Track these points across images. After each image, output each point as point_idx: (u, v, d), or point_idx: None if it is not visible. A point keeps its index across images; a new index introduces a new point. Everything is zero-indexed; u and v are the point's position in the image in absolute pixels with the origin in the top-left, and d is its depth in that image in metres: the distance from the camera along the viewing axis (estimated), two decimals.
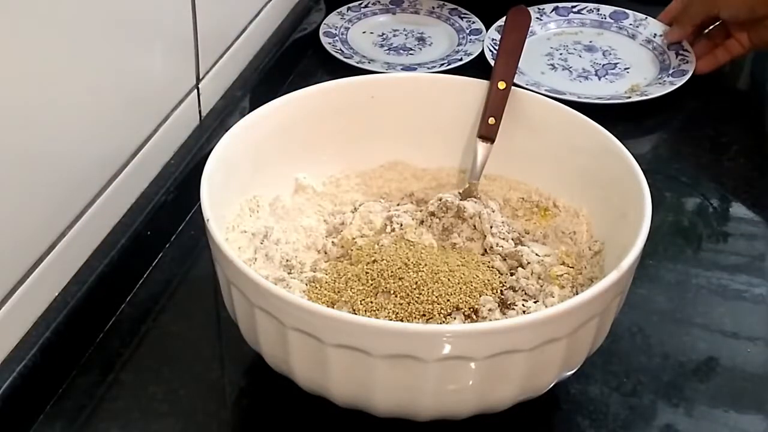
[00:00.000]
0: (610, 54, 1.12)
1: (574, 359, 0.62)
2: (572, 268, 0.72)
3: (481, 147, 0.77)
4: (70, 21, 0.66)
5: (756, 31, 1.01)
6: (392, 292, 0.67)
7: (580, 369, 0.64)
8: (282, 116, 0.74)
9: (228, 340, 0.71)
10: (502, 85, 0.77)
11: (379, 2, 1.17)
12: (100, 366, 0.70)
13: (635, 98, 1.01)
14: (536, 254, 0.73)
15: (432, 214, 0.75)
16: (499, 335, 0.57)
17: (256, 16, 1.00)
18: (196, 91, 0.88)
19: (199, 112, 0.90)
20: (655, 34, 1.13)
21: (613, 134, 0.72)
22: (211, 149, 0.68)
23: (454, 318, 0.66)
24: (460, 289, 0.67)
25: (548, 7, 1.18)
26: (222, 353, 0.73)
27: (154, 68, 0.79)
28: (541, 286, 0.70)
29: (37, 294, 0.67)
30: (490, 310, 0.67)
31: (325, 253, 0.75)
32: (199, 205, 0.64)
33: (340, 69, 1.04)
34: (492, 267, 0.71)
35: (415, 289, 0.67)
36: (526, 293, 0.69)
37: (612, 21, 1.17)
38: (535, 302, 0.69)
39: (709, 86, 1.11)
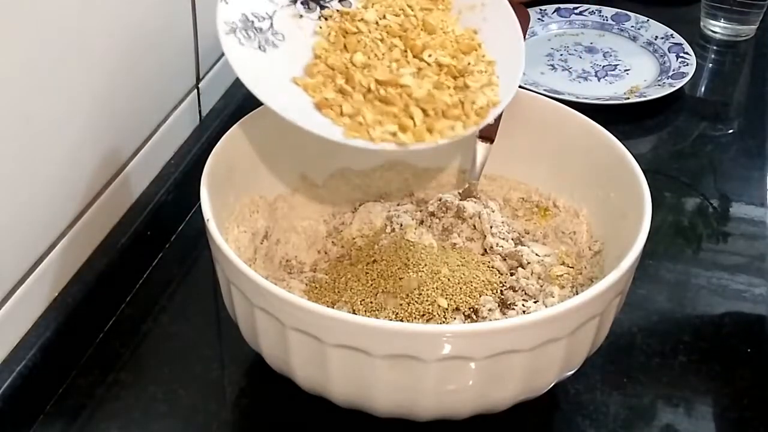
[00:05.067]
0: (611, 55, 1.12)
1: (574, 359, 0.62)
2: (572, 268, 0.72)
3: (481, 147, 0.77)
4: (70, 22, 0.66)
5: None
6: (392, 292, 0.67)
7: (580, 369, 0.64)
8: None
9: (228, 340, 0.71)
10: None
11: None
12: (100, 366, 0.70)
13: (633, 99, 1.02)
14: (536, 254, 0.73)
15: (432, 214, 0.75)
16: (499, 335, 0.57)
17: None
18: (196, 91, 0.88)
19: (199, 112, 0.90)
20: (657, 37, 1.14)
21: (613, 134, 0.72)
22: (211, 149, 0.68)
23: (454, 318, 0.66)
24: (460, 289, 0.67)
25: (550, 9, 1.19)
26: (222, 353, 0.73)
27: (154, 68, 0.79)
28: (541, 286, 0.70)
29: (37, 294, 0.67)
30: (490, 310, 0.67)
31: (325, 253, 0.75)
32: (199, 205, 0.64)
33: None
34: (492, 267, 0.71)
35: (415, 289, 0.67)
36: (526, 293, 0.69)
37: (613, 23, 1.18)
38: (535, 302, 0.69)
39: (708, 86, 1.11)
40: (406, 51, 0.66)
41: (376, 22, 0.67)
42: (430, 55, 0.66)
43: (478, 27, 0.70)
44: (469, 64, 0.67)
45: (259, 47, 0.64)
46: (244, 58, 0.63)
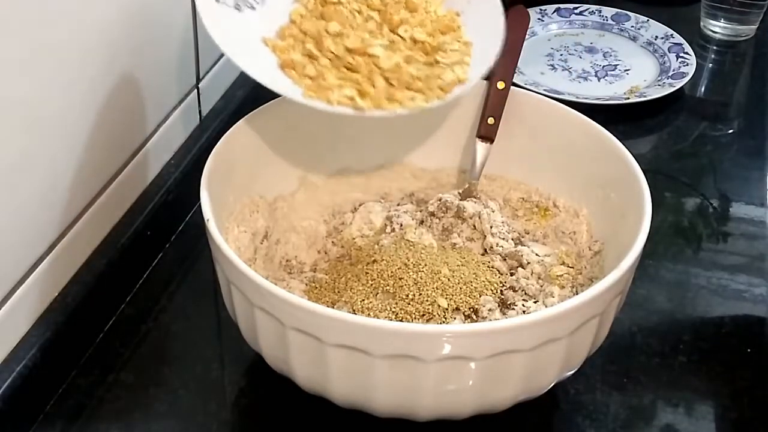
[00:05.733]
0: (611, 55, 1.12)
1: (574, 359, 0.62)
2: (572, 268, 0.72)
3: (481, 147, 0.77)
4: (69, 20, 0.66)
5: None
6: (392, 292, 0.67)
7: (580, 369, 0.64)
8: (282, 116, 0.74)
9: (228, 340, 0.71)
10: (501, 85, 0.77)
11: None
12: (100, 366, 0.70)
13: (633, 99, 1.02)
14: (536, 254, 0.72)
15: (432, 214, 0.75)
16: (499, 335, 0.57)
17: None
18: (196, 91, 0.88)
19: (199, 112, 0.90)
20: (657, 37, 1.14)
21: (613, 134, 0.72)
22: (211, 149, 0.68)
23: (454, 318, 0.66)
24: (460, 289, 0.67)
25: (550, 9, 1.19)
26: (222, 353, 0.73)
27: (154, 68, 0.79)
28: (541, 286, 0.70)
29: (37, 294, 0.67)
30: (490, 310, 0.67)
31: (325, 253, 0.75)
32: (199, 205, 0.64)
33: None
34: (492, 267, 0.71)
35: (415, 289, 0.67)
36: (526, 293, 0.69)
37: (613, 23, 1.18)
38: (535, 302, 0.69)
39: (708, 86, 1.11)
40: (381, 24, 0.67)
41: None
42: (405, 31, 0.66)
43: (462, 9, 0.70)
44: (444, 42, 0.67)
45: (236, 7, 0.65)
46: (218, 15, 0.64)
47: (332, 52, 0.64)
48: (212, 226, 0.62)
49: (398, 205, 0.79)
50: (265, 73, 0.63)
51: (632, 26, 1.16)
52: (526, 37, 0.82)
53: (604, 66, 1.10)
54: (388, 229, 0.74)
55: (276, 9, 0.67)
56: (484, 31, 0.70)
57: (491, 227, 0.73)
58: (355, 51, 0.64)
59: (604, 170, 0.71)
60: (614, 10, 1.19)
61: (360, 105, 0.62)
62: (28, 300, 0.66)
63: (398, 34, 0.66)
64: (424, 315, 0.66)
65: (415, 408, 0.61)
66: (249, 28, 0.65)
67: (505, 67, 0.78)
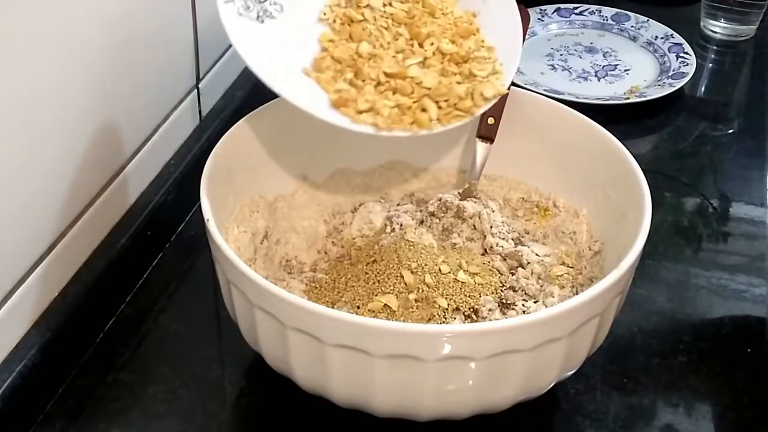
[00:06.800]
0: (611, 55, 1.12)
1: (574, 359, 0.62)
2: (572, 268, 0.72)
3: (481, 147, 0.77)
4: (69, 21, 0.66)
5: None
6: (392, 292, 0.67)
7: (580, 369, 0.64)
8: (282, 116, 0.74)
9: (228, 340, 0.71)
10: None
11: None
12: (100, 366, 0.70)
13: (633, 99, 1.02)
14: (536, 254, 0.73)
15: (432, 214, 0.75)
16: (499, 335, 0.57)
17: None
18: (196, 91, 0.88)
19: (199, 112, 0.90)
20: (657, 37, 1.14)
21: (613, 134, 0.72)
22: (211, 149, 0.68)
23: (454, 318, 0.66)
24: (460, 289, 0.67)
25: (550, 9, 1.19)
26: (222, 353, 0.73)
27: (154, 68, 0.79)
28: (541, 286, 0.70)
29: (37, 294, 0.67)
30: (490, 310, 0.67)
31: (325, 253, 0.75)
32: (199, 205, 0.64)
33: None
34: (492, 267, 0.71)
35: (415, 289, 0.67)
36: (526, 293, 0.69)
37: (613, 23, 1.18)
38: (535, 302, 0.69)
39: (708, 86, 1.11)
40: (411, 40, 0.66)
41: (382, 9, 0.66)
42: (432, 44, 0.65)
43: (478, 9, 0.69)
44: (470, 49, 0.66)
45: (258, 18, 0.63)
46: (245, 33, 0.62)
47: (373, 78, 0.63)
48: (212, 226, 0.62)
49: (398, 205, 0.79)
50: (324, 108, 0.62)
51: (632, 26, 1.16)
52: (526, 37, 0.82)
53: (604, 66, 1.10)
54: (388, 229, 0.74)
55: (297, 19, 0.65)
56: (502, 32, 0.69)
57: (491, 227, 0.73)
58: (393, 75, 0.63)
59: (604, 170, 0.71)
60: (614, 10, 1.19)
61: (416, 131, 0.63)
62: (28, 300, 0.66)
63: (425, 48, 0.65)
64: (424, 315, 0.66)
65: (415, 408, 0.61)
66: (279, 49, 0.63)
67: None
